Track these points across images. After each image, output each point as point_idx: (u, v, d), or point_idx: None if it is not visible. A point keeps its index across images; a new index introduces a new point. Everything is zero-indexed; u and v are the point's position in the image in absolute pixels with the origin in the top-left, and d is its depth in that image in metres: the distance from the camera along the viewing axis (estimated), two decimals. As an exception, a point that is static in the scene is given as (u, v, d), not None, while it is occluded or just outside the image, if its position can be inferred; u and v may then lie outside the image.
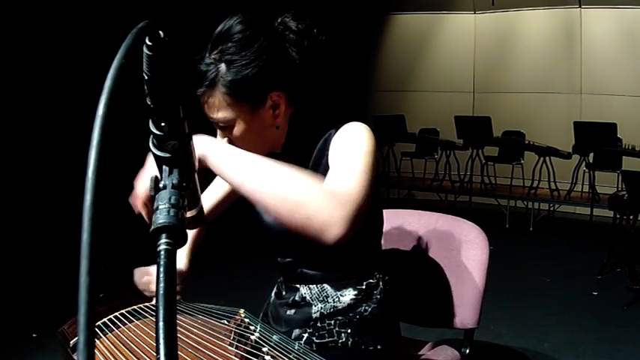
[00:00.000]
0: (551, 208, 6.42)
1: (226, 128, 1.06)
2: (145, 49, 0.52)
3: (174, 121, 0.57)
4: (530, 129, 6.60)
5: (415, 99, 7.94)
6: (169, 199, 0.55)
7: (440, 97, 7.77)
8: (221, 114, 1.04)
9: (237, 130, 1.06)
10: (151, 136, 0.58)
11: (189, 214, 0.64)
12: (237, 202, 1.44)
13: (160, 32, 0.52)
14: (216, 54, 1.02)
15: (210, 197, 1.38)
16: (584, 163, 5.93)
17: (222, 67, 1.01)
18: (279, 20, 1.09)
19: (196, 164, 0.65)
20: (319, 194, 0.86)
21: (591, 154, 5.83)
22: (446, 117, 6.76)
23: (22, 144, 4.10)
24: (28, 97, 4.11)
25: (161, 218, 0.52)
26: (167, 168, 0.59)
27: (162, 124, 0.57)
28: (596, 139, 5.51)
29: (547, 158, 6.11)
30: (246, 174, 0.87)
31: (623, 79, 6.53)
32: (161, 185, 0.57)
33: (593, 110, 6.57)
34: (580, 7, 6.80)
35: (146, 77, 0.54)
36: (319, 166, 1.12)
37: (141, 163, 0.92)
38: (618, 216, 4.05)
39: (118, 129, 0.74)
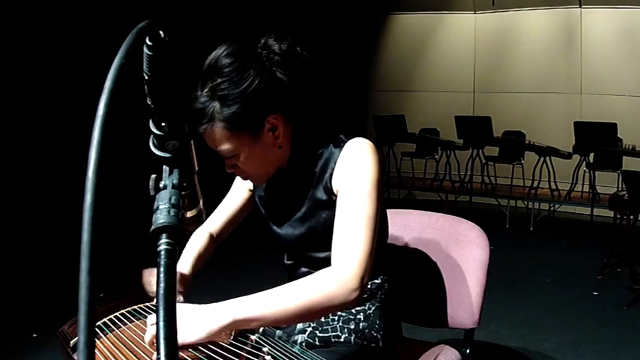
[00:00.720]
0: (552, 208, 6.42)
1: (232, 157, 1.10)
2: (145, 49, 0.52)
3: (174, 121, 0.57)
4: (531, 129, 6.59)
5: (415, 99, 7.94)
6: (169, 199, 0.55)
7: (440, 97, 7.76)
8: (224, 147, 1.07)
9: (243, 157, 1.10)
10: (152, 136, 0.58)
11: (189, 214, 0.64)
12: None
13: (161, 32, 0.52)
14: (208, 91, 1.04)
15: (220, 217, 1.41)
16: (584, 163, 5.93)
17: (216, 104, 1.03)
18: (261, 43, 1.08)
19: (195, 168, 0.66)
20: (329, 293, 0.99)
21: (591, 154, 5.83)
22: (446, 117, 6.76)
23: (23, 144, 4.10)
24: (28, 97, 4.11)
25: (161, 218, 0.52)
26: (167, 168, 0.59)
27: (163, 124, 0.57)
28: (596, 139, 5.51)
29: (547, 158, 6.10)
30: (271, 316, 0.98)
31: (623, 79, 6.53)
32: (161, 185, 0.57)
33: (593, 110, 6.57)
34: (580, 7, 6.80)
35: (146, 77, 0.54)
36: (321, 183, 1.16)
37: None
38: (618, 216, 4.05)
39: (118, 129, 0.74)
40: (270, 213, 1.28)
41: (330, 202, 1.14)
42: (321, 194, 1.16)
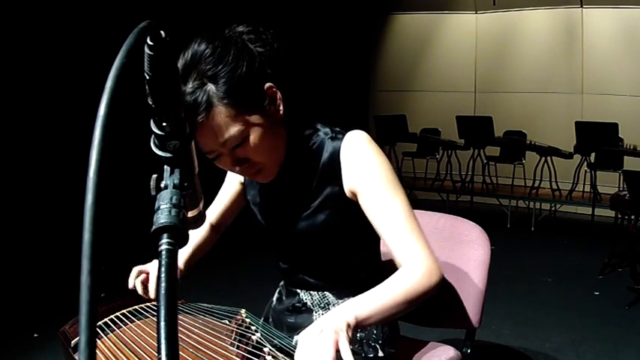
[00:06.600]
0: (553, 208, 6.41)
1: (240, 146, 1.03)
2: (146, 49, 0.52)
3: (175, 121, 0.57)
4: (532, 129, 6.59)
5: (417, 99, 7.94)
6: (170, 199, 0.55)
7: (441, 97, 7.76)
8: (232, 130, 1.00)
9: (253, 138, 1.03)
10: (153, 136, 0.58)
11: (190, 214, 0.64)
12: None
13: (162, 32, 0.52)
14: (196, 79, 0.99)
15: (218, 207, 1.39)
16: (585, 162, 5.93)
17: (210, 85, 0.98)
18: (227, 30, 1.06)
19: (196, 168, 0.65)
20: (425, 286, 1.04)
21: (593, 154, 5.83)
22: (447, 117, 6.76)
23: (23, 144, 4.10)
24: (29, 98, 4.12)
25: (162, 218, 0.52)
26: (168, 168, 0.59)
27: (164, 124, 0.57)
28: (597, 139, 5.51)
29: (548, 158, 6.10)
30: (383, 312, 1.00)
31: (624, 78, 6.53)
32: (162, 185, 0.57)
33: (594, 110, 6.57)
34: (581, 6, 6.79)
35: (147, 77, 0.54)
36: (328, 180, 1.14)
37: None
38: (620, 216, 4.05)
39: (119, 129, 0.74)
40: (267, 215, 1.24)
41: (341, 200, 1.13)
42: (329, 191, 1.14)
